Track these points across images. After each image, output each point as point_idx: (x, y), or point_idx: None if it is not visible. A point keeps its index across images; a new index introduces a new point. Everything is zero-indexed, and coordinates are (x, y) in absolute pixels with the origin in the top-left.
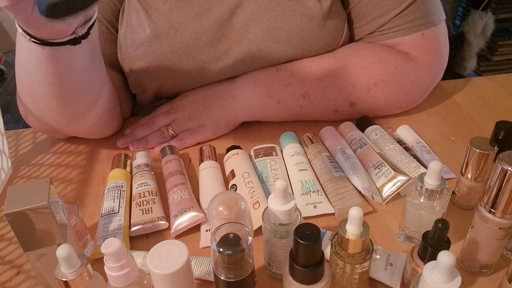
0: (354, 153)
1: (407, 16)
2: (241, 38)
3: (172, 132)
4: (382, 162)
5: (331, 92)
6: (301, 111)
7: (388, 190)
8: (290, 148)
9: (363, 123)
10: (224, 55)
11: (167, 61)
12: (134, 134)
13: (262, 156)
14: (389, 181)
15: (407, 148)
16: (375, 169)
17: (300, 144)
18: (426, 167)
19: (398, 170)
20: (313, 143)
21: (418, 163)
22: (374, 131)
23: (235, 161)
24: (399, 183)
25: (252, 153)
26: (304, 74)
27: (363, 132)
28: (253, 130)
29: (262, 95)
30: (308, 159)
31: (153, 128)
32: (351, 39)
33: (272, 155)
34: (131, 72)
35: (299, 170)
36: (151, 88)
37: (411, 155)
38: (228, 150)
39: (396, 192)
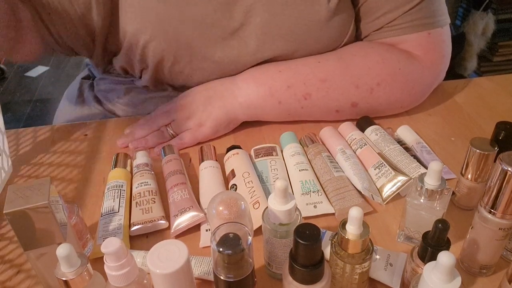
0: (355, 153)
1: (416, 13)
2: (248, 21)
3: (172, 131)
4: (382, 163)
5: (334, 93)
6: (302, 112)
7: (388, 190)
8: (290, 148)
9: (363, 123)
10: (230, 36)
11: (172, 31)
12: (134, 134)
13: (262, 156)
14: (389, 181)
15: (407, 149)
16: (375, 169)
17: (300, 144)
18: (426, 168)
19: (398, 171)
20: (313, 143)
21: (418, 163)
22: (374, 131)
23: (235, 161)
24: (399, 183)
25: (252, 153)
26: (307, 76)
27: (363, 132)
28: (253, 130)
29: (263, 95)
30: (308, 159)
31: (153, 127)
32: (358, 35)
33: (272, 155)
34: (135, 46)
35: (299, 170)
36: (152, 64)
37: (411, 156)
38: (228, 150)
39: (396, 193)
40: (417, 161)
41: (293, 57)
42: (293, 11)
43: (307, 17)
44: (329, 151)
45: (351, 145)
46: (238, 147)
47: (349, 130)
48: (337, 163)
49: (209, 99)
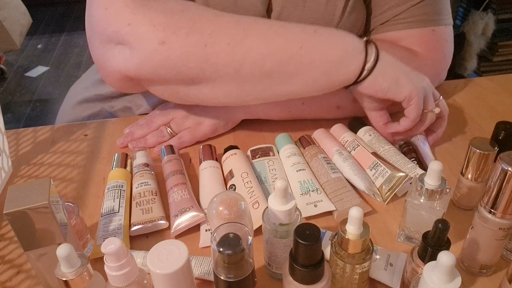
0: (350, 154)
1: (422, 8)
2: (269, 9)
3: (171, 131)
4: (377, 162)
5: None
6: (303, 108)
7: (386, 189)
8: (286, 150)
9: (355, 124)
10: None
11: None
12: (133, 134)
13: (259, 157)
14: (386, 180)
15: (410, 150)
16: (371, 170)
17: (296, 146)
18: (425, 164)
19: (394, 169)
20: (309, 144)
21: (413, 164)
22: (367, 132)
23: (233, 161)
24: (397, 182)
25: (249, 153)
26: None
27: (355, 133)
28: (253, 130)
29: None
30: (306, 161)
31: (152, 127)
32: (365, 29)
33: (269, 155)
34: None
35: (297, 171)
36: None
37: (413, 156)
38: (226, 150)
39: (396, 190)
40: (416, 155)
41: None
42: (313, 3)
43: (326, 11)
44: (325, 153)
45: (345, 146)
46: (236, 147)
47: (341, 131)
48: (334, 164)
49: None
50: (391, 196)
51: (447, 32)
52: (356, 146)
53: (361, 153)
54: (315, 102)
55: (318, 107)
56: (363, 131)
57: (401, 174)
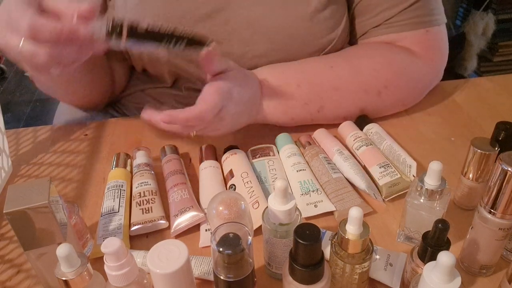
0: (358, 150)
1: (414, 11)
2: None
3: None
4: (388, 163)
5: (345, 102)
6: (311, 122)
7: (390, 189)
8: (286, 150)
9: (361, 122)
10: (222, 24)
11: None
12: (176, 119)
13: (259, 157)
14: (393, 182)
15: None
16: (380, 167)
17: (297, 145)
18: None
19: (402, 173)
20: (310, 144)
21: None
22: (371, 128)
23: (233, 161)
24: (401, 186)
25: (249, 153)
26: (323, 87)
27: (362, 130)
28: (253, 130)
29: (280, 114)
30: (306, 161)
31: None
32: (356, 33)
33: (269, 155)
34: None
35: (297, 171)
36: (138, 60)
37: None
38: (226, 150)
39: (397, 194)
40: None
41: (286, 52)
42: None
43: (298, 7)
44: (325, 153)
45: (355, 142)
46: (236, 147)
47: (351, 127)
48: (334, 164)
49: (238, 116)
50: (391, 197)
51: (441, 31)
52: (369, 143)
53: (373, 150)
54: (324, 118)
55: (326, 120)
56: (367, 128)
57: (408, 180)
